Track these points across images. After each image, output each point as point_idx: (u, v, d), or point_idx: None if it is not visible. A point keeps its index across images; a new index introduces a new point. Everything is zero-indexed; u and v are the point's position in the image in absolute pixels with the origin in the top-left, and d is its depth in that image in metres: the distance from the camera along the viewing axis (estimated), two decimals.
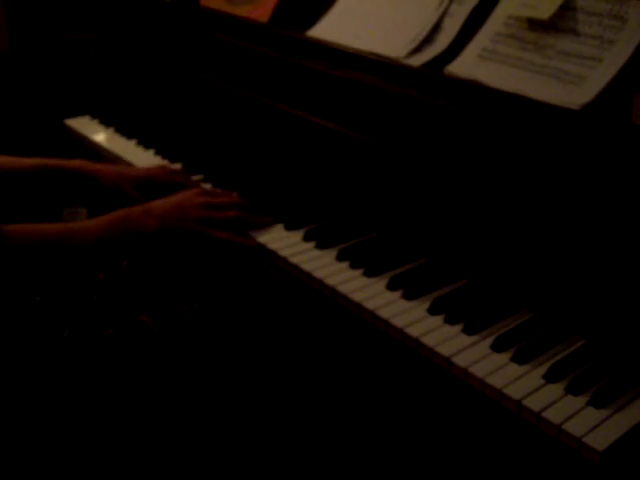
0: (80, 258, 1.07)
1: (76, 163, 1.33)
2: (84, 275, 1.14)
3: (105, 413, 1.04)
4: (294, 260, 1.12)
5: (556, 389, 0.87)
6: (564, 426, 0.81)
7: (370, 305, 1.01)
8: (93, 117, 1.77)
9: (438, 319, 0.99)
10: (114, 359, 1.05)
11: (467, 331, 0.96)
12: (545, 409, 0.83)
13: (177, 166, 1.46)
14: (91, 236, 1.08)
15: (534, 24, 1.09)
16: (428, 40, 1.22)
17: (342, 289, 1.05)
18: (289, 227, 1.21)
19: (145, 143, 1.59)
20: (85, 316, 1.07)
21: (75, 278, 1.13)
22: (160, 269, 1.20)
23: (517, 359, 0.91)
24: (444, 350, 0.93)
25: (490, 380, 0.88)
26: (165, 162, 1.49)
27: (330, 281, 1.07)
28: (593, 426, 0.81)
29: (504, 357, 0.92)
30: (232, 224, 1.18)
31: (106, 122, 1.72)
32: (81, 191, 1.31)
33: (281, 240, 1.18)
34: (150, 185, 1.32)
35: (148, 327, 1.08)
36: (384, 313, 1.00)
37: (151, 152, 1.55)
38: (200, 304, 1.16)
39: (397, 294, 1.04)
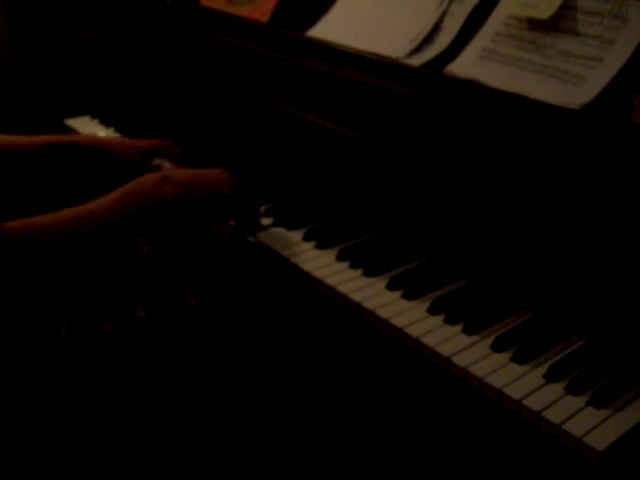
0: (91, 245, 0.99)
1: (85, 138, 1.25)
2: (85, 271, 1.13)
3: (103, 409, 1.04)
4: (294, 260, 1.12)
5: (556, 389, 0.87)
6: (564, 426, 0.81)
7: (370, 305, 1.02)
8: (93, 117, 1.77)
9: (438, 319, 0.99)
10: (112, 355, 1.05)
11: (467, 331, 0.96)
12: (545, 409, 0.83)
13: None
14: (102, 219, 0.99)
15: (534, 24, 1.09)
16: (428, 40, 1.22)
17: (342, 289, 1.05)
18: (289, 227, 1.21)
19: None
20: (82, 313, 1.07)
21: (75, 277, 1.13)
22: (156, 265, 1.20)
23: (517, 359, 0.91)
24: (444, 350, 0.93)
25: (490, 380, 0.88)
26: (165, 161, 1.49)
27: (330, 281, 1.07)
28: (593, 426, 0.81)
29: (504, 357, 0.92)
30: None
31: (106, 122, 1.73)
32: (94, 167, 1.23)
33: (281, 240, 1.18)
34: (154, 155, 1.30)
35: (144, 323, 1.08)
36: (384, 313, 1.00)
37: None
38: (195, 300, 1.16)
39: (397, 294, 1.04)
